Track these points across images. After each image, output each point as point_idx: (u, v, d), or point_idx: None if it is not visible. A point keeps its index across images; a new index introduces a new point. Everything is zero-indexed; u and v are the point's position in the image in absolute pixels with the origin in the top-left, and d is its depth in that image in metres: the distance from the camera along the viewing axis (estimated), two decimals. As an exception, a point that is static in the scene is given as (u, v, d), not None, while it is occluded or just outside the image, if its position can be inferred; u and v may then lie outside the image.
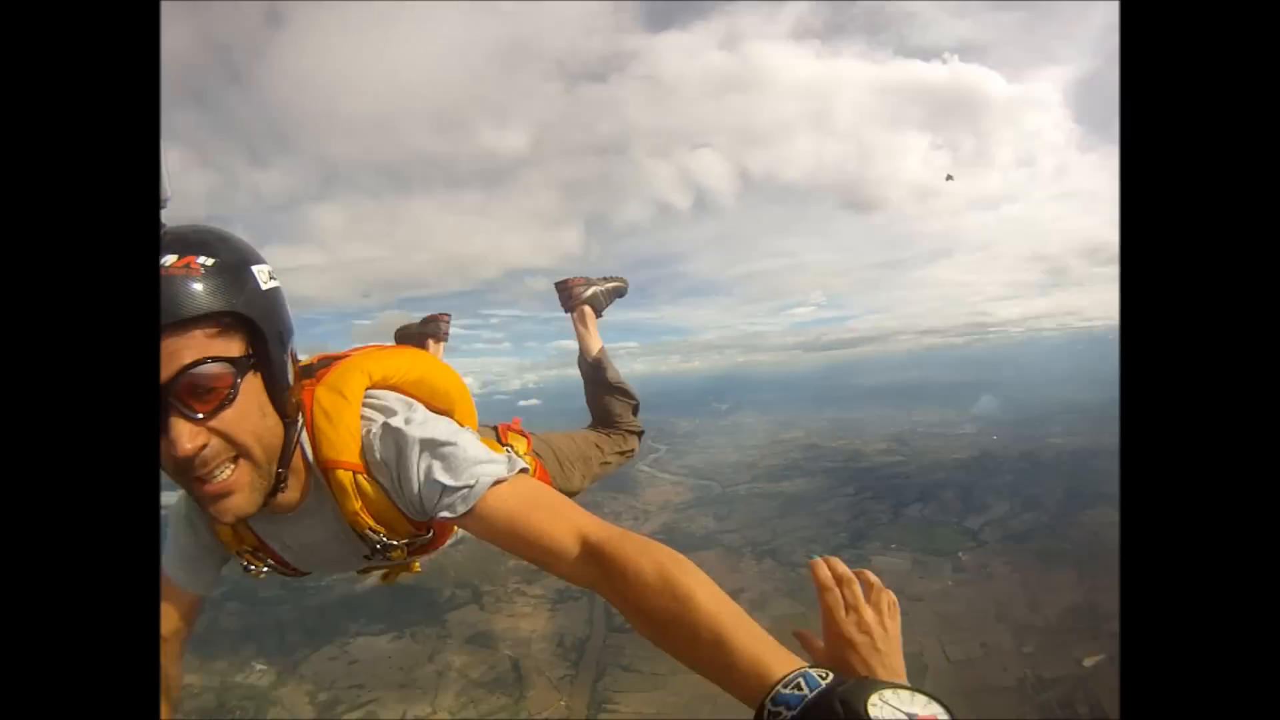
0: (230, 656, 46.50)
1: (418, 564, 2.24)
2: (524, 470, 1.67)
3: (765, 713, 1.10)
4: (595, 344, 3.73)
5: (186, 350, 1.32)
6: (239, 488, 1.48)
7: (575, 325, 3.77)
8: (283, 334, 1.53)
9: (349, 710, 40.58)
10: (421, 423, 1.70)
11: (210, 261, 1.37)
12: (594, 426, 3.69)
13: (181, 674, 1.96)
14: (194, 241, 1.38)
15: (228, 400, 1.39)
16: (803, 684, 1.09)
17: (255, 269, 1.48)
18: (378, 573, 2.35)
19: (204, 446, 1.37)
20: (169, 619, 1.91)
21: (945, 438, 69.96)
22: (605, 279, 3.84)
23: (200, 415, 1.36)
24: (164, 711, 1.65)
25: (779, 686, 1.10)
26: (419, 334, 4.00)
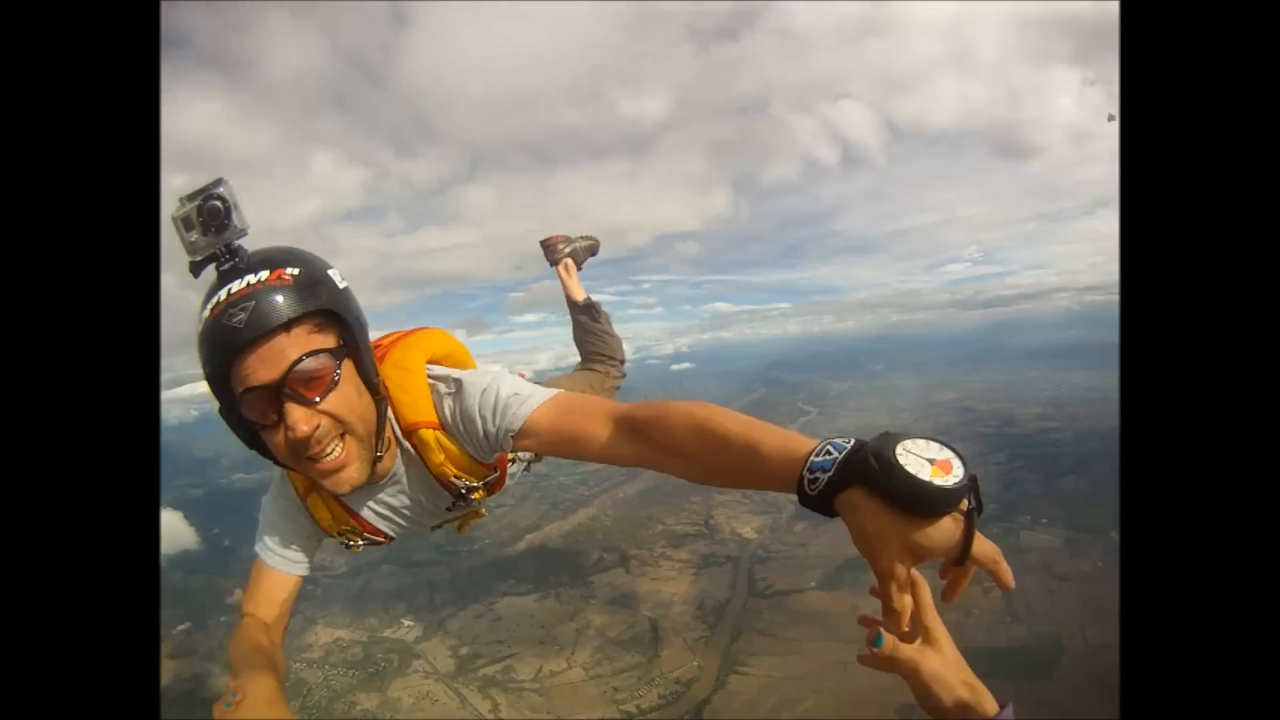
0: (381, 614, 49.74)
1: (483, 510, 2.49)
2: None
3: (804, 482, 1.23)
4: (579, 292, 4.18)
5: (292, 348, 1.55)
6: (350, 460, 1.71)
7: (560, 275, 4.26)
8: (363, 324, 1.76)
9: (488, 664, 42.21)
10: (475, 378, 1.94)
11: (296, 271, 1.59)
12: (584, 365, 4.06)
13: (285, 656, 2.07)
14: (278, 258, 1.61)
15: (333, 384, 1.63)
16: (830, 450, 1.23)
17: (330, 273, 1.69)
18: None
19: (317, 427, 1.59)
20: (276, 605, 2.10)
21: (1105, 403, 64.70)
22: (582, 237, 4.39)
23: (315, 400, 1.59)
24: (276, 684, 1.77)
25: (811, 457, 1.24)
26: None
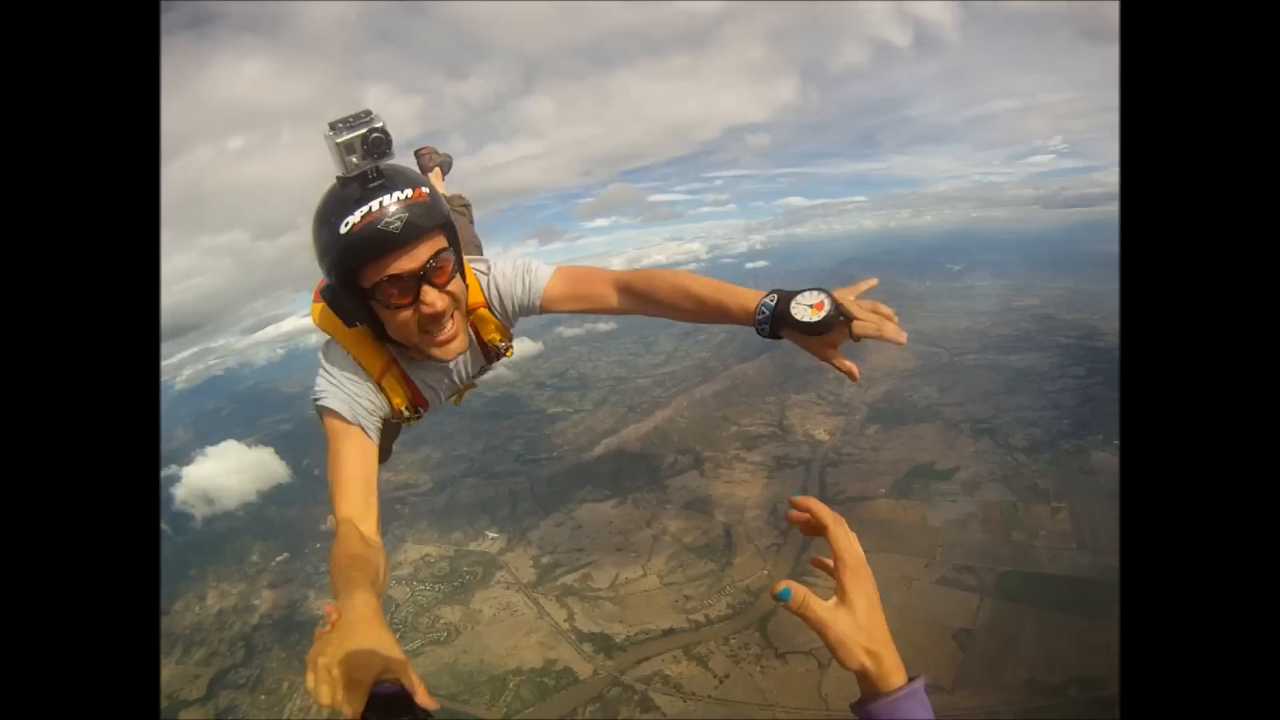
0: (466, 528, 51.59)
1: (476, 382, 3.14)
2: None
3: (756, 329, 2.09)
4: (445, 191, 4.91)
5: (426, 247, 2.02)
6: (459, 332, 2.24)
7: (430, 181, 4.84)
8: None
9: (567, 572, 43.32)
10: (500, 263, 2.56)
11: (428, 190, 2.04)
12: None
13: (384, 554, 2.24)
14: (415, 179, 2.04)
15: (454, 273, 2.15)
16: (764, 310, 2.04)
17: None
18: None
19: (446, 304, 2.11)
20: (364, 484, 2.37)
21: (1196, 324, 61.34)
22: (445, 153, 5.18)
23: (444, 284, 2.10)
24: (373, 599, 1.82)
25: (756, 315, 2.06)
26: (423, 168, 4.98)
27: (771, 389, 60.08)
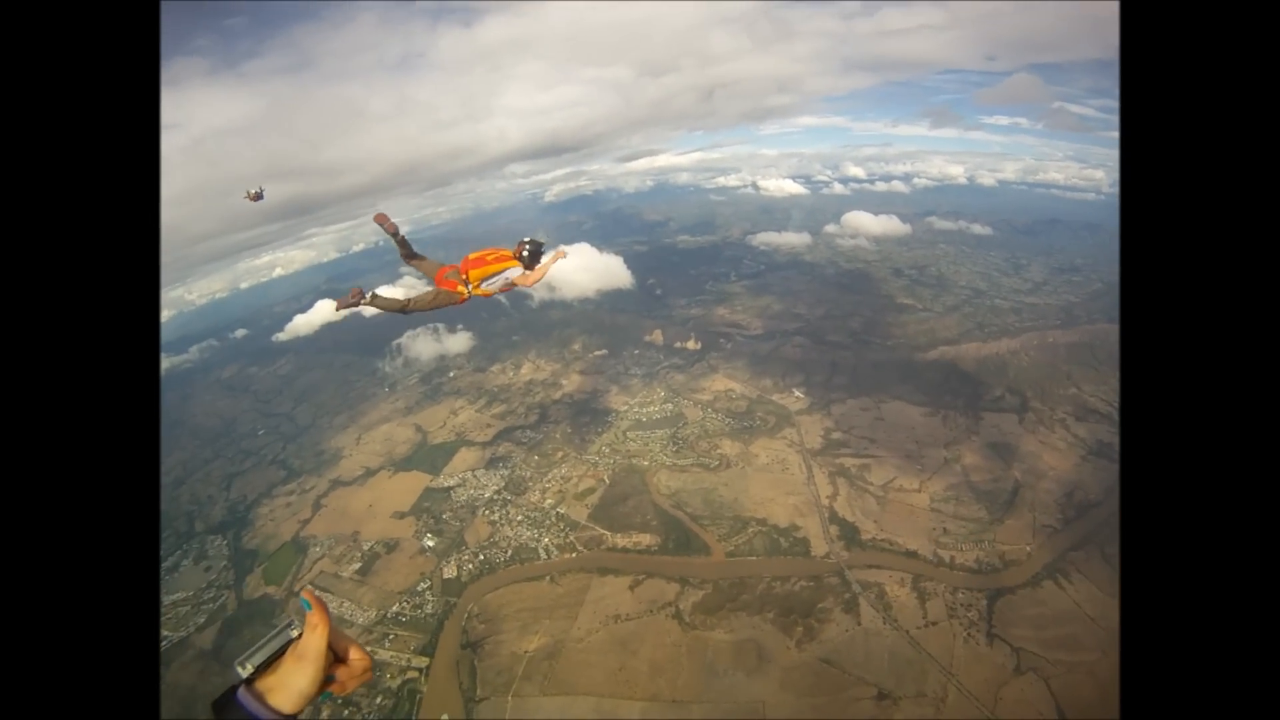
0: (777, 379, 53.12)
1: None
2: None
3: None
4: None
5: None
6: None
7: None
8: None
9: (849, 456, 43.15)
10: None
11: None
12: None
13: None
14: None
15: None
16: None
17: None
18: None
19: None
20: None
21: None
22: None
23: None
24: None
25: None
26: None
27: (1125, 362, 52.03)
